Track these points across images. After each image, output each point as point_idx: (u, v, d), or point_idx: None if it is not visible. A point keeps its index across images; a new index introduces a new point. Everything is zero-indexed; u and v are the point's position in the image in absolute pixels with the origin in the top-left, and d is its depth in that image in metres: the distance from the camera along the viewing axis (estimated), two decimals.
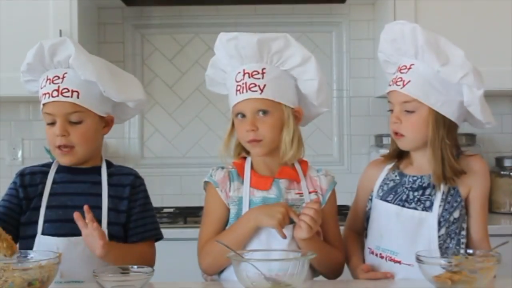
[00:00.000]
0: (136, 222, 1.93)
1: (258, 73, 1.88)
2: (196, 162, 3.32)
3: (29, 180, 1.93)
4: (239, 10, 3.33)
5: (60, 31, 2.88)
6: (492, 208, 3.16)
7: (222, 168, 1.97)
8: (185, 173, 3.33)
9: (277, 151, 1.91)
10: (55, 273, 1.63)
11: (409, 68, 1.88)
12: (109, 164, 1.99)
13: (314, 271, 1.94)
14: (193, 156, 3.35)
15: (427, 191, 1.90)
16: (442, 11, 2.95)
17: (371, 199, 1.98)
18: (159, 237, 2.02)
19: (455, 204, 1.88)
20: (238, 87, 1.89)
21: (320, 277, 1.98)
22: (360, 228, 2.03)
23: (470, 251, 1.77)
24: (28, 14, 2.91)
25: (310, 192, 1.93)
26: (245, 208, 1.89)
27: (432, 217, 1.87)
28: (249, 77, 1.88)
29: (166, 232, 2.75)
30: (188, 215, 2.93)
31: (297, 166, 1.96)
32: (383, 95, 3.20)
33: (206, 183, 1.97)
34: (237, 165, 1.96)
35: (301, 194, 1.92)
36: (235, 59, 1.92)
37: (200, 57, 3.33)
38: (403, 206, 1.90)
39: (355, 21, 3.35)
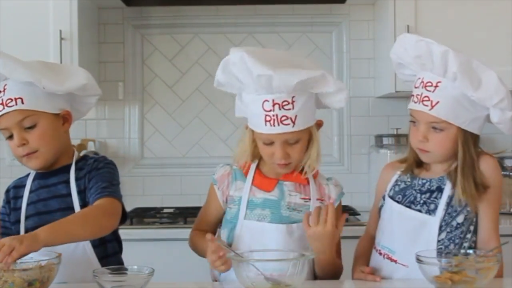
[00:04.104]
0: (90, 190, 1.87)
1: (289, 103, 1.79)
2: (196, 162, 3.32)
3: (13, 194, 1.97)
4: (239, 10, 3.33)
5: (60, 31, 2.88)
6: None
7: (228, 165, 1.97)
8: (185, 173, 3.33)
9: None
10: (55, 273, 1.63)
11: (436, 86, 1.82)
12: (84, 158, 1.97)
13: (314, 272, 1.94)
14: (193, 156, 3.35)
15: (434, 194, 1.88)
16: (442, 11, 2.94)
17: (383, 198, 1.97)
18: (115, 196, 1.85)
19: (459, 209, 1.85)
20: (268, 118, 1.80)
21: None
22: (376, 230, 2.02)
23: (470, 251, 1.77)
24: (28, 14, 2.92)
25: (317, 199, 1.91)
26: (243, 208, 1.88)
27: (434, 221, 1.85)
28: (279, 108, 1.79)
29: (166, 232, 2.79)
30: (188, 215, 2.92)
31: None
32: (383, 95, 3.22)
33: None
34: (243, 164, 1.95)
35: (306, 199, 1.90)
36: (263, 89, 1.79)
37: (200, 57, 3.33)
38: (409, 207, 1.89)
39: (355, 21, 3.35)
